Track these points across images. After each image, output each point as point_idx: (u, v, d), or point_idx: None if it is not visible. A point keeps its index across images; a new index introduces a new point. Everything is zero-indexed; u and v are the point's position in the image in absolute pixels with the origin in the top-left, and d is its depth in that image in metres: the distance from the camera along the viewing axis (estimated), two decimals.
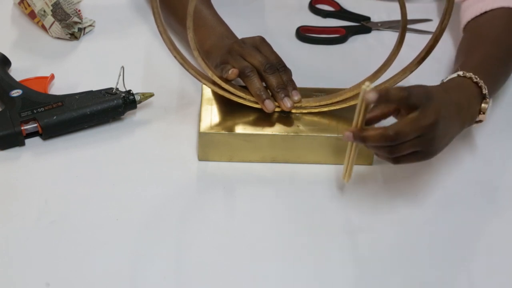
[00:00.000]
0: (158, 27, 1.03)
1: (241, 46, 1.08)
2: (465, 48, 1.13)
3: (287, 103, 1.07)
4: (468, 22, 1.18)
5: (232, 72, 1.05)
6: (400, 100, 0.94)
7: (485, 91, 1.03)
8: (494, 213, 1.03)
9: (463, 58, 1.09)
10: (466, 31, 1.18)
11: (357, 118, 0.95)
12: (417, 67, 1.05)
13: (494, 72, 1.08)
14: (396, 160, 0.97)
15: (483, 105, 1.03)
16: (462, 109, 1.01)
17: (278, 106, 1.08)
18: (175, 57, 1.05)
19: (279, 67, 1.08)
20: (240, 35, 1.13)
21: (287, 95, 1.07)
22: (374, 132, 0.94)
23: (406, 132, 0.94)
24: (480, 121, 1.04)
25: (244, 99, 1.08)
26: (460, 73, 1.04)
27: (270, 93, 1.07)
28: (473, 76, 1.03)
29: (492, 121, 1.14)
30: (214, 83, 1.07)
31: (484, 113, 1.03)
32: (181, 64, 1.06)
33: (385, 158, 0.98)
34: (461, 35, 1.19)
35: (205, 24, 1.15)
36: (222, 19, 1.17)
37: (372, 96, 0.93)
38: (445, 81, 1.04)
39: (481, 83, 1.03)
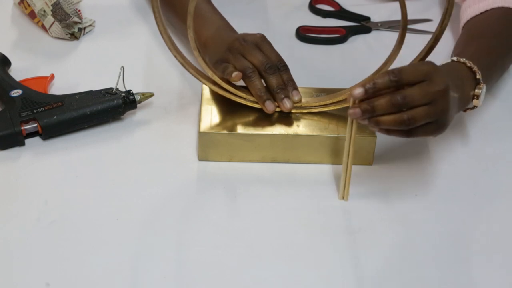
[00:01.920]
0: (158, 26, 1.03)
1: (241, 44, 1.08)
2: (462, 42, 1.13)
3: (286, 104, 1.06)
4: (468, 21, 1.18)
5: (236, 76, 1.05)
6: (391, 86, 0.93)
7: (478, 76, 1.03)
8: (495, 212, 1.03)
9: (459, 50, 1.09)
10: (464, 29, 1.18)
11: (349, 134, 0.96)
12: None
13: (490, 63, 1.08)
14: (410, 133, 0.95)
15: (476, 90, 1.03)
16: (459, 88, 1.00)
17: (278, 106, 1.08)
18: (175, 56, 1.05)
19: (280, 66, 1.08)
20: None
21: (287, 96, 1.07)
22: (383, 99, 0.92)
23: (414, 96, 0.92)
24: (474, 107, 1.04)
25: (244, 99, 1.08)
26: (454, 58, 1.04)
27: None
28: (467, 61, 1.03)
29: (490, 119, 1.15)
30: (214, 83, 1.07)
31: (477, 98, 1.03)
32: (181, 63, 1.06)
33: (398, 134, 0.96)
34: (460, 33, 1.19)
35: (201, 16, 1.14)
36: (219, 12, 1.17)
37: (358, 92, 0.92)
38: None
39: (475, 68, 1.03)
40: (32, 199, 1.02)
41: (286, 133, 1.06)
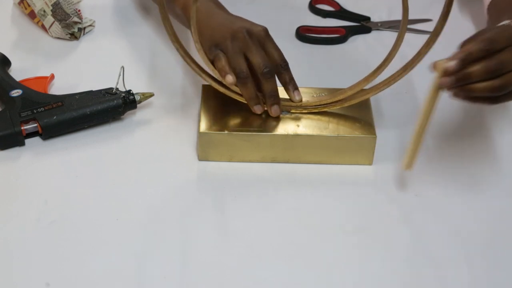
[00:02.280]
0: (164, 23, 1.02)
1: (245, 38, 1.05)
2: (493, 18, 1.12)
3: (275, 111, 1.06)
4: (491, 1, 1.17)
5: (227, 79, 1.03)
6: (482, 55, 0.92)
7: None
8: (496, 211, 1.03)
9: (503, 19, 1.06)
10: (490, 9, 1.17)
11: (430, 103, 0.95)
12: (418, 62, 1.04)
13: None
14: (496, 99, 0.96)
15: None
16: None
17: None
18: (177, 49, 1.04)
19: (283, 65, 1.07)
20: None
21: (277, 103, 1.06)
22: (478, 66, 0.92)
23: (509, 62, 0.92)
24: None
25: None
26: (506, 22, 1.01)
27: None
28: None
29: (487, 116, 1.15)
30: (215, 79, 1.07)
31: None
32: (182, 56, 1.05)
33: (485, 101, 0.96)
34: (486, 17, 1.18)
35: None
36: None
37: (452, 64, 0.92)
38: None
39: None
40: (32, 199, 1.02)
41: (286, 133, 1.06)
